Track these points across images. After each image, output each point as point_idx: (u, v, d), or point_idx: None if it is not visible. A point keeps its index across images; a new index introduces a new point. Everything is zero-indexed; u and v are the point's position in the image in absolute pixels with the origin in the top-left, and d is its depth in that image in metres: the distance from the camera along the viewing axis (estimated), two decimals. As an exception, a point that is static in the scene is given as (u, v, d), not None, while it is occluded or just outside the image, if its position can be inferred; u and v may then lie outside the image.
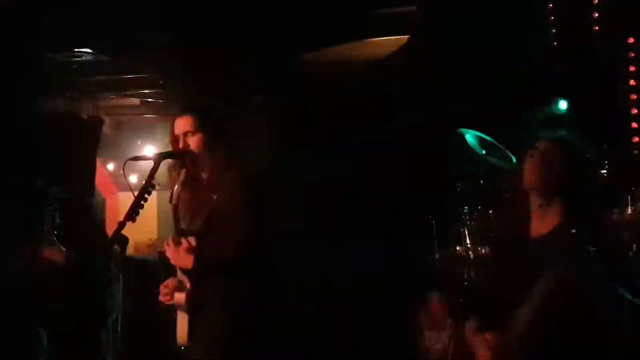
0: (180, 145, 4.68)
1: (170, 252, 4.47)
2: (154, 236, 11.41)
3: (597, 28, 8.15)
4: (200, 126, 4.65)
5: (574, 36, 8.30)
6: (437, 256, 7.40)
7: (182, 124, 4.69)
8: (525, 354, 3.45)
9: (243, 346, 4.54)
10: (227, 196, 4.56)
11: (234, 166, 4.66)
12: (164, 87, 11.70)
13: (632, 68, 7.97)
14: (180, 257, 4.43)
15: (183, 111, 4.75)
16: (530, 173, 3.74)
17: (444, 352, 6.66)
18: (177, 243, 4.43)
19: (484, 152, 7.14)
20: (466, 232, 7.05)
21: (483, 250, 6.85)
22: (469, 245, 6.95)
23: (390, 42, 9.13)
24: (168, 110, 12.72)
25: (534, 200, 3.73)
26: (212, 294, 4.54)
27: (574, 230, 3.31)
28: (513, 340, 3.45)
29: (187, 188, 4.65)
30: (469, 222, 7.12)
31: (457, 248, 7.17)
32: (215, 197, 4.59)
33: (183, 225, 4.55)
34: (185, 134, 4.66)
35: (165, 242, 4.52)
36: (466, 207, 7.23)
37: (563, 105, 8.07)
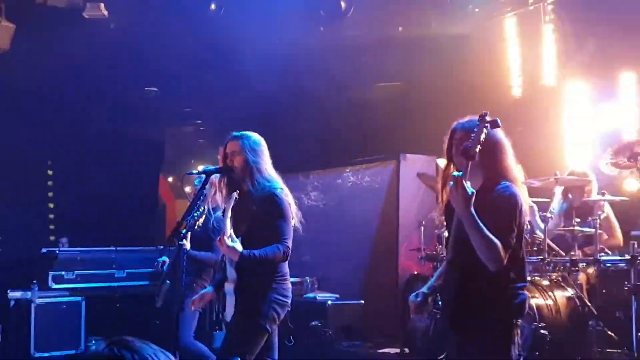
0: (228, 161, 4.71)
1: (222, 248, 4.49)
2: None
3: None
4: (242, 150, 4.67)
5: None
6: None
7: (232, 145, 4.72)
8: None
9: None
10: (263, 210, 4.56)
11: (266, 184, 4.63)
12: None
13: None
14: (229, 250, 4.45)
15: (233, 137, 4.76)
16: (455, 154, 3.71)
17: (426, 328, 6.64)
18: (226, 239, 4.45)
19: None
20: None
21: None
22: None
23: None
24: (215, 137, 12.94)
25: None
26: (251, 284, 4.60)
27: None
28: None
29: (237, 199, 4.66)
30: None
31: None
32: (254, 209, 4.58)
33: (231, 228, 4.56)
34: (232, 154, 4.69)
35: (218, 240, 4.48)
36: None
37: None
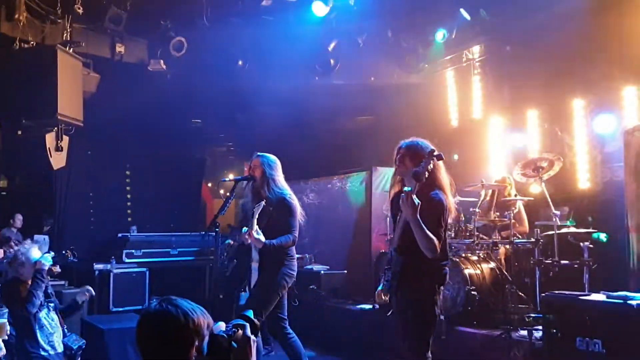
0: (251, 172, 4.71)
1: (250, 238, 4.45)
2: (232, 223, 11.49)
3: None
4: (261, 165, 4.67)
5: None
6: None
7: (254, 161, 4.72)
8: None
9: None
10: (277, 210, 4.56)
11: (278, 192, 4.59)
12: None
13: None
14: (255, 240, 4.44)
15: (256, 155, 4.75)
16: (398, 165, 3.61)
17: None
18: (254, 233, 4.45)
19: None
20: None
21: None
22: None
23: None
24: (241, 155, 12.96)
25: (407, 180, 3.57)
26: (269, 262, 4.59)
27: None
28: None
29: (256, 201, 4.62)
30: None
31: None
32: (271, 209, 4.57)
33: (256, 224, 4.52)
34: (254, 167, 4.69)
35: (246, 233, 4.45)
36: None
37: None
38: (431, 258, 3.42)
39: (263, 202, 4.51)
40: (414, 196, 3.27)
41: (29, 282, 4.22)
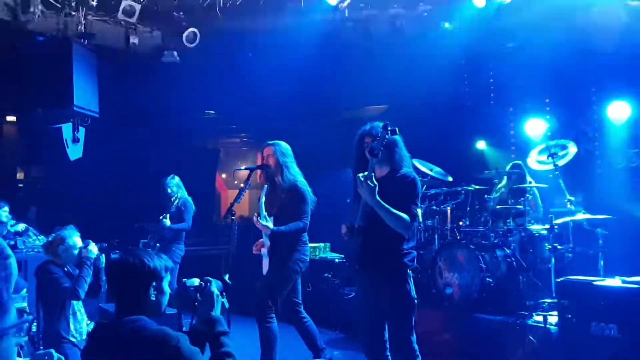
0: (265, 161, 4.73)
1: (257, 223, 4.54)
2: (247, 213, 11.55)
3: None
4: (274, 153, 4.71)
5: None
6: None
7: (267, 149, 4.75)
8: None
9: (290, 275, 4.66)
10: (289, 196, 4.61)
11: (291, 178, 4.65)
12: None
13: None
14: (262, 227, 4.53)
15: (268, 144, 4.78)
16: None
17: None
18: (260, 219, 4.53)
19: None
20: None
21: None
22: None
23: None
24: (254, 146, 13.01)
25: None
26: (280, 248, 4.63)
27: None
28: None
29: (269, 189, 4.71)
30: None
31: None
32: (283, 196, 4.63)
33: (266, 210, 4.62)
34: (267, 156, 4.73)
35: (254, 218, 4.55)
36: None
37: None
38: (397, 240, 3.42)
39: (266, 186, 4.58)
40: (373, 175, 3.25)
41: (66, 267, 4.27)
